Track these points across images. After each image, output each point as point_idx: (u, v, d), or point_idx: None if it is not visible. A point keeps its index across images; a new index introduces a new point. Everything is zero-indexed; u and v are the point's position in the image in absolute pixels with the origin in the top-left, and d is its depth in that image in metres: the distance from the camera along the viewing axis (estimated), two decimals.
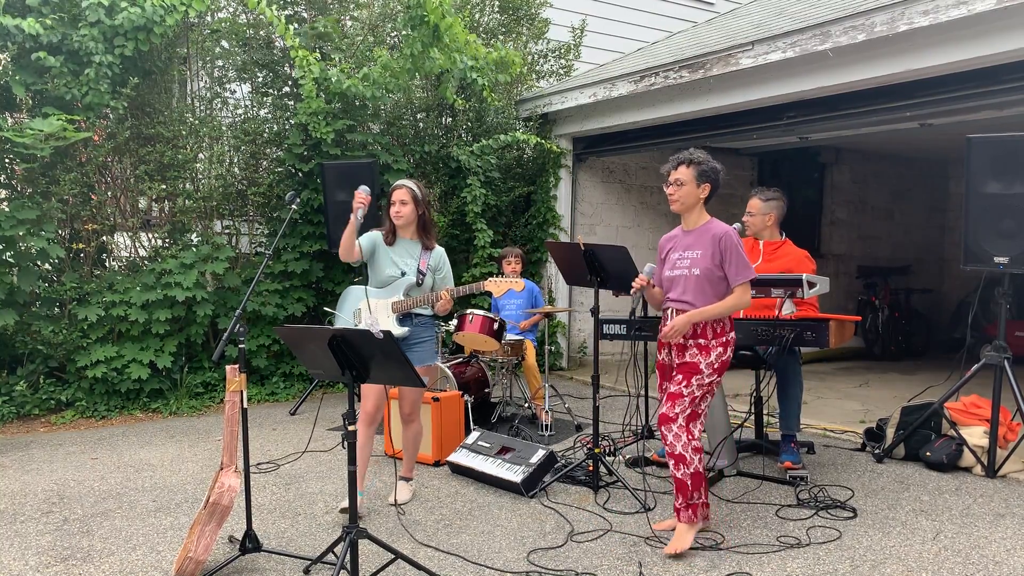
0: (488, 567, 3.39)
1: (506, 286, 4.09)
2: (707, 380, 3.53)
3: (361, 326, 3.86)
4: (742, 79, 6.05)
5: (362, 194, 3.84)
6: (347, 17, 7.59)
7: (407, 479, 4.30)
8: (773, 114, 6.30)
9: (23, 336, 6.11)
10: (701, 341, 3.55)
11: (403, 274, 4.02)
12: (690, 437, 3.51)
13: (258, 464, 4.84)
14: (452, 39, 6.29)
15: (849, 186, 10.53)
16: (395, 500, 4.16)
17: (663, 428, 3.56)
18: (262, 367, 6.87)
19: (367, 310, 3.97)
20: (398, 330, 3.96)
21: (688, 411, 3.52)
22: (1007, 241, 4.48)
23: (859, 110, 5.78)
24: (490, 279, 4.11)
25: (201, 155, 7.00)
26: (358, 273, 4.40)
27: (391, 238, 4.07)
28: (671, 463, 3.57)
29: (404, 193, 4.02)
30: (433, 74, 7.15)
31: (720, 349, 3.54)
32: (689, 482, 3.53)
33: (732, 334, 3.59)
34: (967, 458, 4.68)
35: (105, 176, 6.71)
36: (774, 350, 4.41)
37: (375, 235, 4.10)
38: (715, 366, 3.53)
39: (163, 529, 3.83)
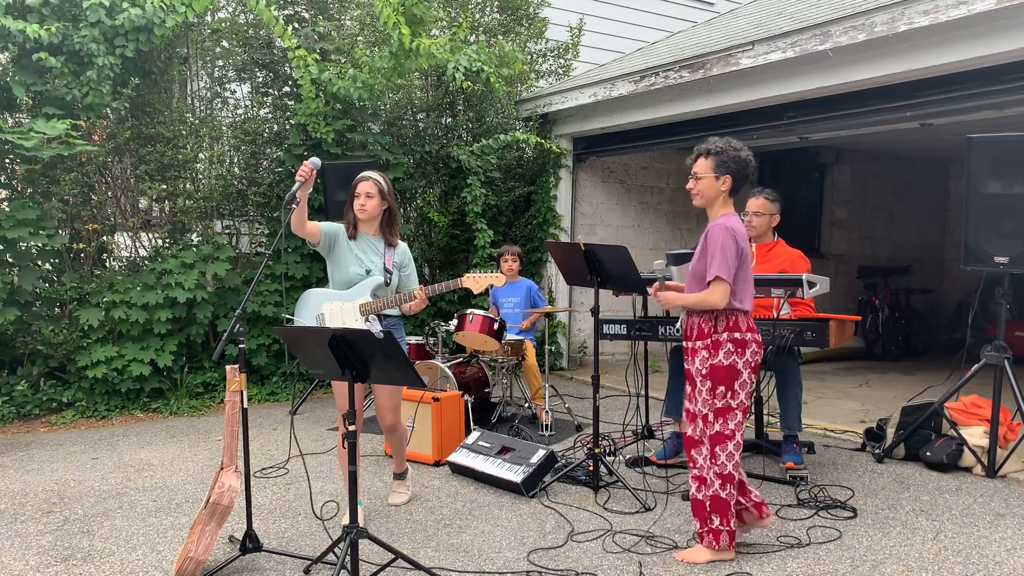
0: (488, 567, 3.39)
1: (485, 282, 3.87)
2: (705, 392, 3.35)
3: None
4: (742, 79, 6.05)
5: (307, 166, 3.49)
6: (347, 17, 7.59)
7: (401, 475, 4.25)
8: (773, 114, 6.31)
9: (23, 336, 6.11)
10: (687, 344, 3.45)
11: (368, 273, 3.78)
12: (712, 461, 3.36)
13: (263, 468, 4.85)
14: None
15: (849, 186, 10.53)
16: (393, 502, 4.16)
17: (692, 451, 3.46)
18: (262, 367, 6.87)
19: (333, 314, 3.72)
20: None
21: (709, 432, 3.37)
22: (1007, 241, 4.49)
23: (859, 110, 5.78)
24: (467, 275, 3.87)
25: (201, 155, 7.00)
26: None
27: (352, 232, 3.82)
28: (693, 485, 3.46)
29: (370, 185, 3.75)
30: (432, 70, 7.11)
31: (704, 353, 3.35)
32: (708, 504, 3.38)
33: (725, 335, 3.32)
34: (967, 458, 4.68)
35: (105, 176, 6.71)
36: (773, 350, 4.41)
37: (338, 225, 3.84)
38: (703, 373, 3.35)
39: (163, 529, 3.83)
